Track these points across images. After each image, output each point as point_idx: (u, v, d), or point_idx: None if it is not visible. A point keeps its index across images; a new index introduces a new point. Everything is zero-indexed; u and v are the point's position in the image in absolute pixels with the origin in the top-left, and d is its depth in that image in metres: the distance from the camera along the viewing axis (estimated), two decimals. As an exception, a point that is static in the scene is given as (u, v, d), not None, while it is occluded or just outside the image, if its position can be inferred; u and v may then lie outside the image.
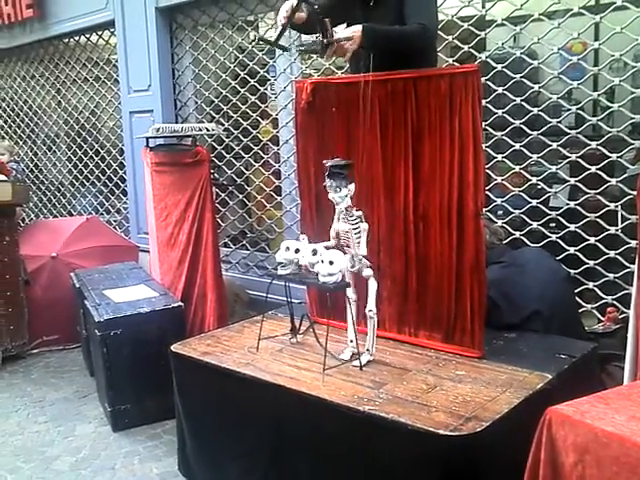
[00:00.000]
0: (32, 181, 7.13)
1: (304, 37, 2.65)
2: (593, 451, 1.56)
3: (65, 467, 3.30)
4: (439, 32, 3.51)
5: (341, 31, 2.56)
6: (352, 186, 2.57)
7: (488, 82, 3.56)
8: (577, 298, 3.32)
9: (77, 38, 6.27)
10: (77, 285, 4.31)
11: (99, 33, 6.01)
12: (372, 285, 2.65)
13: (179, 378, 2.96)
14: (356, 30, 2.54)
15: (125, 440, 3.52)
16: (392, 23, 2.65)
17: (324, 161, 2.62)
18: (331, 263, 2.52)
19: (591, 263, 3.33)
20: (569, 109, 3.45)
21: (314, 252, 2.60)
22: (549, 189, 3.53)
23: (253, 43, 4.89)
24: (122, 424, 3.61)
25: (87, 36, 6.16)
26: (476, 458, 2.06)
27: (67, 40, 6.38)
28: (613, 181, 3.24)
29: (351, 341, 2.70)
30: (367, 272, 2.66)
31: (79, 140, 6.60)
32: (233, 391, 2.68)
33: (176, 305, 3.76)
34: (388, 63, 2.67)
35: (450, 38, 3.67)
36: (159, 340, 3.43)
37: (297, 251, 2.68)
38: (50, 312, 4.79)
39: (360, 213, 2.61)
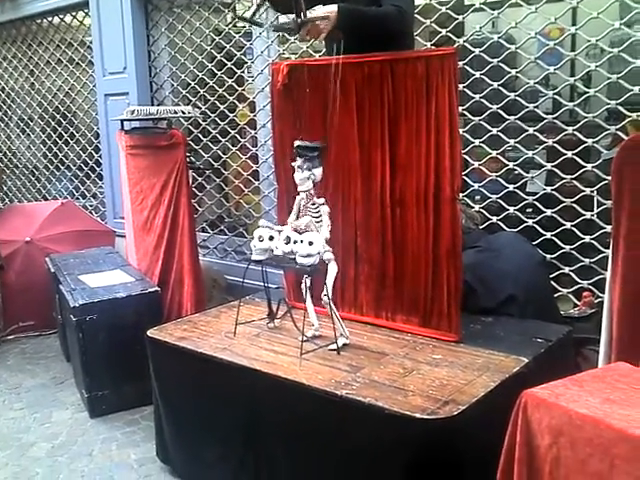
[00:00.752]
0: (6, 165, 7.02)
1: (281, 17, 2.62)
2: (567, 433, 1.58)
3: (42, 454, 3.27)
4: (417, 16, 3.51)
5: (316, 10, 2.53)
6: (318, 171, 2.56)
7: (466, 66, 3.56)
8: (553, 283, 3.34)
9: (50, 19, 6.16)
10: (52, 270, 4.26)
11: (73, 14, 5.90)
12: (331, 269, 2.64)
13: (156, 363, 2.94)
14: (331, 10, 2.51)
15: (102, 426, 3.50)
16: (367, 5, 2.63)
17: (295, 141, 2.61)
18: (310, 244, 2.51)
19: (567, 248, 3.35)
20: (546, 94, 3.46)
21: (287, 240, 2.59)
22: (526, 174, 3.54)
23: (230, 25, 4.83)
24: (99, 410, 3.59)
25: (61, 17, 6.05)
26: (453, 441, 2.07)
27: (40, 21, 6.26)
28: (589, 166, 3.26)
29: (312, 325, 2.72)
30: (327, 255, 2.63)
31: (53, 123, 6.50)
32: (210, 376, 2.68)
33: (152, 290, 3.73)
34: (364, 47, 2.65)
35: (428, 22, 3.66)
36: (135, 325, 3.40)
37: (271, 238, 2.67)
38: (25, 297, 4.73)
39: (322, 200, 2.61)
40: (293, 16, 2.50)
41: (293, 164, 2.65)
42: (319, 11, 2.52)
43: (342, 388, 2.26)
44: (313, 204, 2.60)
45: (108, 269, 4.18)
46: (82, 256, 4.51)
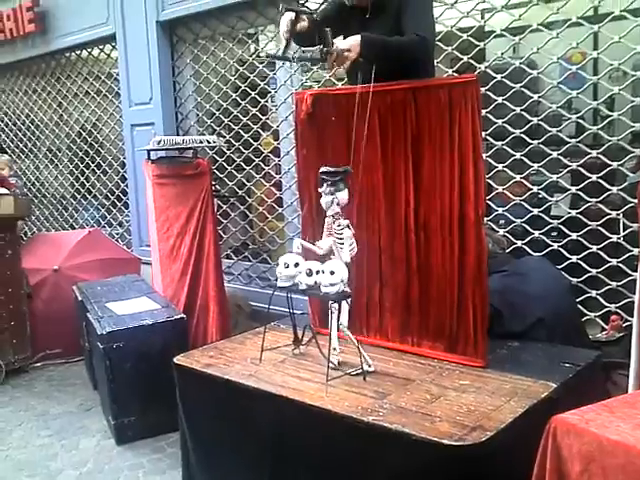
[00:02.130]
0: (34, 195, 7.15)
1: (305, 49, 2.68)
2: (599, 460, 1.55)
3: (69, 481, 3.29)
4: (438, 43, 3.55)
5: (340, 41, 2.59)
6: (343, 194, 2.58)
7: (488, 92, 3.58)
8: (580, 306, 3.31)
9: (79, 52, 6.32)
10: (79, 298, 4.31)
11: (100, 47, 6.05)
12: (344, 305, 2.66)
13: (182, 390, 2.95)
14: (355, 40, 2.57)
15: (129, 453, 3.51)
16: (389, 35, 2.67)
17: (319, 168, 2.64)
18: (332, 273, 2.52)
19: (594, 271, 3.33)
20: (569, 118, 3.46)
21: (309, 273, 2.61)
22: (550, 198, 3.53)
23: (254, 56, 4.91)
24: (126, 437, 3.60)
25: (89, 50, 6.21)
26: (481, 468, 2.04)
27: (69, 54, 6.43)
28: (614, 189, 3.25)
29: (334, 349, 2.72)
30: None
31: (81, 153, 6.63)
32: (236, 402, 2.68)
33: (178, 317, 3.75)
34: (386, 75, 2.68)
35: (450, 49, 3.69)
36: (162, 352, 3.41)
37: (297, 265, 2.69)
38: (53, 325, 4.78)
39: (347, 222, 2.62)
40: (317, 47, 2.55)
41: (320, 190, 2.67)
42: (344, 42, 2.58)
43: (369, 414, 2.25)
44: (339, 225, 2.61)
45: (134, 296, 4.21)
46: (109, 284, 4.56)
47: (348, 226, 2.64)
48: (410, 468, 2.10)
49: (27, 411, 4.12)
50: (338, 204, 2.62)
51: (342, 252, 2.62)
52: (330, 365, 2.58)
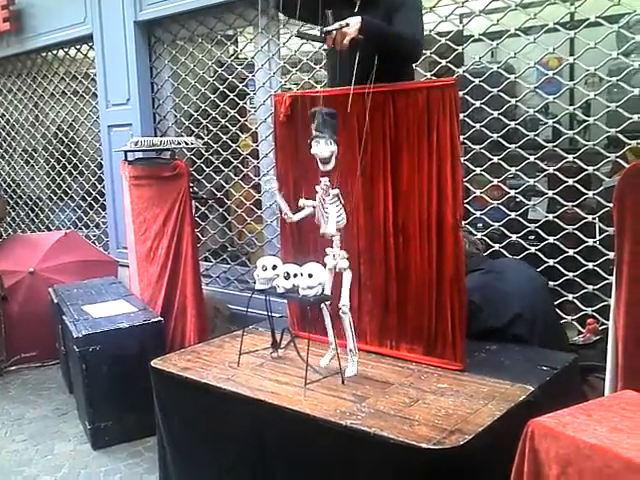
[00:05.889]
0: (9, 196, 7.05)
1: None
2: (576, 463, 1.56)
3: (44, 487, 3.25)
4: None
5: (342, 21, 2.60)
6: (335, 148, 2.54)
7: (466, 96, 3.60)
8: (557, 310, 3.34)
9: (55, 52, 6.25)
10: (55, 300, 4.26)
11: (77, 47, 5.99)
12: (347, 278, 2.62)
13: (159, 394, 2.92)
14: (355, 18, 2.59)
15: (105, 458, 3.47)
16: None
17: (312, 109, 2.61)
18: (310, 276, 2.52)
19: (570, 275, 3.36)
20: (546, 123, 3.50)
21: (286, 276, 2.60)
22: (527, 202, 3.56)
23: (232, 57, 4.89)
24: (102, 442, 3.56)
25: (65, 50, 6.14)
26: (460, 471, 2.05)
27: (45, 54, 6.35)
28: (590, 194, 3.28)
29: (330, 343, 2.70)
30: (342, 264, 2.61)
31: (57, 154, 6.55)
32: (214, 406, 2.66)
33: (156, 320, 3.72)
34: (368, 76, 2.67)
35: (428, 53, 3.71)
36: (139, 356, 3.39)
37: (275, 267, 2.68)
38: (28, 328, 4.72)
39: (337, 192, 2.57)
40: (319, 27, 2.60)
41: (311, 138, 2.56)
42: (344, 20, 2.59)
43: (347, 418, 2.25)
44: (328, 195, 2.56)
45: (111, 299, 4.18)
46: (85, 286, 4.51)
47: (338, 196, 2.59)
48: (388, 472, 2.11)
49: (1, 416, 4.06)
50: (336, 157, 2.56)
51: (328, 222, 2.58)
52: (308, 368, 2.57)
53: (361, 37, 2.58)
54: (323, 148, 2.54)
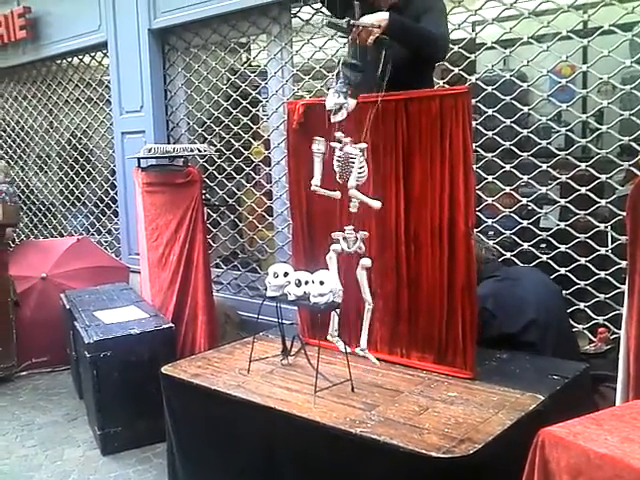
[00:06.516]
0: (23, 202, 7.09)
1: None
2: (586, 473, 1.55)
3: (53, 492, 3.25)
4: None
5: (369, 17, 2.60)
6: (353, 102, 2.55)
7: (478, 104, 3.59)
8: (569, 318, 3.32)
9: (70, 59, 6.30)
10: (67, 306, 4.28)
11: (92, 54, 6.03)
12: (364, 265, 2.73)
13: (169, 400, 2.93)
14: (382, 14, 2.60)
15: (114, 464, 3.47)
16: None
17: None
18: (321, 283, 2.52)
19: (582, 283, 3.34)
20: (559, 131, 3.49)
21: (298, 283, 2.60)
22: (539, 210, 3.55)
23: (245, 65, 4.92)
24: (111, 447, 3.56)
25: (80, 57, 6.19)
26: (469, 480, 2.04)
27: (60, 61, 6.40)
28: (603, 202, 3.26)
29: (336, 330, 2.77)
30: (364, 262, 2.72)
31: (70, 161, 6.59)
32: (224, 413, 2.66)
33: (167, 326, 3.73)
34: (395, 77, 2.66)
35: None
36: (150, 362, 3.40)
37: (286, 274, 2.69)
38: (39, 333, 4.75)
39: (365, 146, 2.62)
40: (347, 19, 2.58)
41: (333, 87, 2.59)
42: (372, 17, 2.60)
43: (357, 426, 2.24)
44: (349, 151, 2.61)
45: (123, 305, 4.19)
46: (97, 292, 4.53)
47: (363, 151, 2.62)
48: (398, 480, 2.09)
49: (12, 421, 4.08)
50: (347, 111, 2.57)
51: (351, 175, 2.62)
52: (318, 376, 2.57)
53: (385, 38, 2.58)
54: (329, 99, 2.59)
